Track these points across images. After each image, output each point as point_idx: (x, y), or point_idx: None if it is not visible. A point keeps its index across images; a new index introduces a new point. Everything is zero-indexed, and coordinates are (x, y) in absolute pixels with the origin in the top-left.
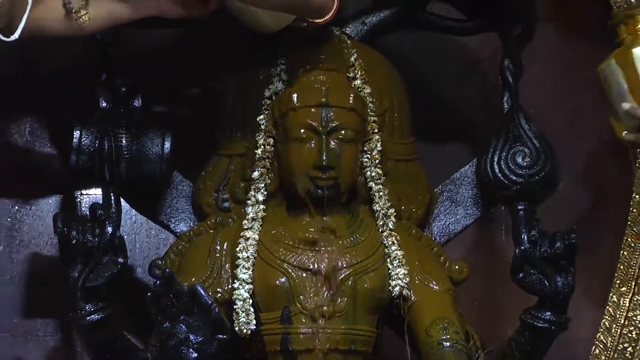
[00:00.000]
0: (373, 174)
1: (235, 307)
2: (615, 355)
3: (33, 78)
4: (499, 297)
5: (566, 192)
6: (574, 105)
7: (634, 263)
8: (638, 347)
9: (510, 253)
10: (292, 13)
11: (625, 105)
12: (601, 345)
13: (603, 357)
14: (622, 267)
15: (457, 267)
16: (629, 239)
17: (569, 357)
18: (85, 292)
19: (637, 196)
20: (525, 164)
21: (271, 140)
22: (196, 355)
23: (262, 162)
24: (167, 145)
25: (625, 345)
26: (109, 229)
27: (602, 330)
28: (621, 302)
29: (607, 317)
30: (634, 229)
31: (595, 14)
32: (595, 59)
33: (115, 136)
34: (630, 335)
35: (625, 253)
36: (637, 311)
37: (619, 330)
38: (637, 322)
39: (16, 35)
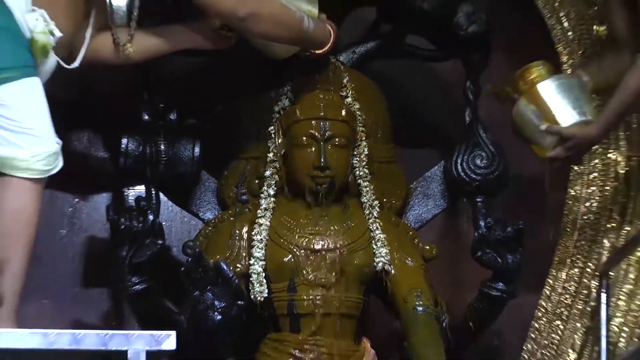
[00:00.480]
0: (361, 173)
1: (251, 279)
2: (554, 317)
3: (89, 98)
4: (462, 272)
5: (518, 187)
6: None
7: (569, 244)
8: (572, 311)
9: (471, 236)
10: (297, 45)
11: (543, 126)
12: (543, 310)
13: (544, 319)
14: (560, 247)
15: (428, 247)
16: (566, 226)
17: (518, 319)
18: (131, 267)
19: (571, 191)
20: (482, 165)
21: (281, 147)
22: (220, 317)
23: (272, 164)
24: (197, 150)
25: (562, 310)
26: (150, 217)
27: (543, 297)
28: (558, 275)
29: (547, 287)
30: (569, 217)
31: (538, 47)
32: None
33: (155, 143)
34: (565, 301)
35: (563, 237)
36: (571, 282)
37: (557, 298)
38: (572, 291)
39: (76, 64)
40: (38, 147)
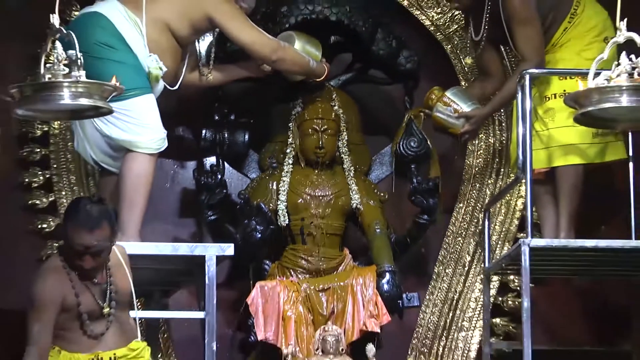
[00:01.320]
0: (343, 150)
1: (278, 213)
2: (457, 235)
3: (180, 105)
4: (402, 209)
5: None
6: None
7: (466, 192)
8: (467, 232)
9: (408, 188)
10: (305, 76)
11: (455, 115)
12: (450, 231)
13: (451, 237)
14: (460, 193)
15: (382, 194)
16: (464, 181)
17: (435, 237)
18: (208, 206)
19: (467, 161)
20: (414, 146)
21: (296, 135)
22: (259, 235)
23: (291, 145)
24: (246, 137)
25: (462, 231)
26: (219, 176)
27: (450, 224)
28: (460, 210)
29: (452, 218)
30: (465, 176)
31: (446, 75)
32: None
33: (221, 133)
34: (464, 226)
35: (462, 187)
36: (467, 214)
37: (458, 224)
38: (467, 220)
39: (176, 86)
40: (151, 134)
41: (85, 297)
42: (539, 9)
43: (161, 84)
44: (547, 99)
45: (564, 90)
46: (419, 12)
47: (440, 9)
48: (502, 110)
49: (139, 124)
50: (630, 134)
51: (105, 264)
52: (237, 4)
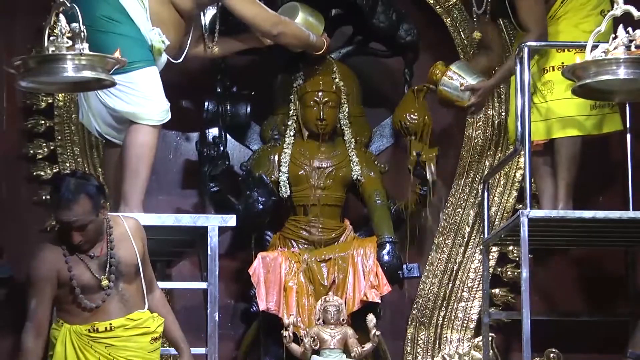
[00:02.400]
0: (344, 122)
1: (279, 184)
2: (457, 207)
3: (186, 79)
4: (401, 180)
5: (436, 132)
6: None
7: (465, 164)
8: (467, 203)
9: (407, 160)
10: (306, 49)
11: (462, 87)
12: (450, 202)
13: (450, 208)
14: (459, 166)
15: (382, 165)
16: (463, 153)
17: (435, 208)
18: (210, 177)
19: (466, 133)
20: (413, 118)
21: (297, 107)
22: (261, 207)
23: (292, 117)
24: (248, 109)
25: (461, 202)
26: (221, 148)
27: (450, 196)
28: (459, 182)
29: (452, 190)
30: (465, 148)
31: (446, 49)
32: None
33: (224, 104)
34: (463, 197)
35: (461, 160)
36: (467, 186)
37: (458, 195)
38: (467, 191)
39: (181, 60)
40: (153, 106)
41: (79, 270)
42: None
43: (164, 57)
44: (546, 71)
45: (562, 63)
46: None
47: None
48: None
49: (142, 96)
50: (627, 105)
51: (106, 237)
52: None
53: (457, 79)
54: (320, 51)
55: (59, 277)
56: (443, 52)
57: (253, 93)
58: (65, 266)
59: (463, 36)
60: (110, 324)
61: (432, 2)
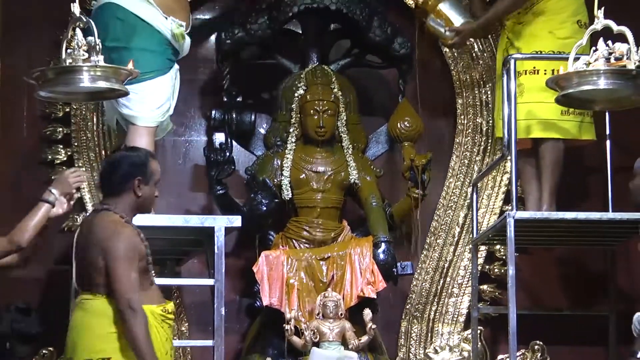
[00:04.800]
0: (342, 130)
1: (282, 187)
2: (447, 208)
3: (194, 89)
4: (396, 184)
5: (428, 138)
6: (435, 98)
7: (455, 167)
8: (457, 205)
9: (401, 165)
10: None
11: (446, 28)
12: (441, 204)
13: (442, 210)
14: (450, 169)
15: (378, 170)
16: (452, 159)
17: (427, 210)
18: (217, 181)
19: (456, 139)
20: (407, 126)
21: (298, 116)
22: (265, 208)
23: (294, 125)
24: (253, 117)
25: (452, 204)
26: (227, 153)
27: (441, 198)
28: (450, 185)
29: (443, 192)
30: (455, 153)
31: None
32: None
33: (230, 113)
34: (453, 199)
35: (450, 165)
36: (456, 189)
37: (449, 197)
38: (457, 194)
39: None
40: (148, 110)
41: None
42: None
43: (188, 40)
44: (519, 74)
45: (534, 67)
46: (412, 0)
47: None
48: (489, 92)
49: (144, 102)
50: (607, 114)
51: None
52: None
53: (444, 18)
54: None
55: (139, 252)
56: (434, 62)
57: (258, 103)
58: (142, 242)
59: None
60: (171, 305)
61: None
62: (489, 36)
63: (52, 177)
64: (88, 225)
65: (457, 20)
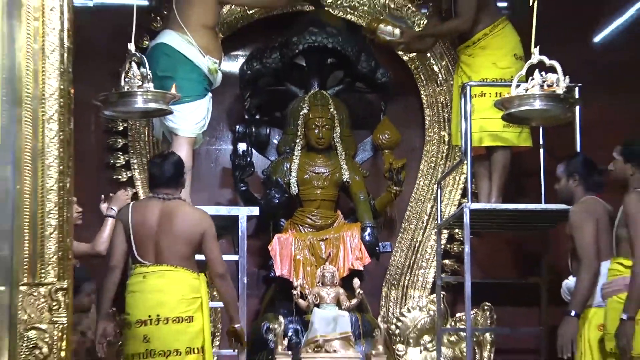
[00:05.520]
0: (337, 140)
1: (290, 184)
2: (419, 202)
3: (222, 110)
4: (378, 183)
5: (404, 148)
6: (408, 115)
7: (424, 169)
8: (425, 200)
9: (382, 168)
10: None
11: (395, 32)
12: (412, 198)
13: (413, 203)
14: (420, 174)
15: (365, 171)
16: (423, 163)
17: (401, 203)
18: (240, 180)
19: (425, 147)
20: (388, 137)
21: (303, 129)
22: (277, 201)
23: (300, 136)
24: (269, 131)
25: (422, 199)
26: (248, 159)
27: (413, 193)
28: (420, 183)
29: (415, 187)
30: (424, 159)
31: (413, 84)
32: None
33: (250, 127)
34: (422, 194)
35: (420, 168)
36: (424, 187)
37: (419, 193)
38: (425, 189)
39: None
40: (192, 125)
41: None
42: None
43: (220, 75)
44: (472, 97)
45: (482, 92)
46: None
47: None
48: (450, 111)
49: (183, 117)
50: (541, 128)
51: None
52: None
53: (389, 24)
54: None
55: None
56: (408, 88)
57: (272, 119)
58: None
59: (423, 77)
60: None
61: (401, 54)
62: (447, 64)
63: (114, 177)
64: (168, 210)
65: (401, 26)
